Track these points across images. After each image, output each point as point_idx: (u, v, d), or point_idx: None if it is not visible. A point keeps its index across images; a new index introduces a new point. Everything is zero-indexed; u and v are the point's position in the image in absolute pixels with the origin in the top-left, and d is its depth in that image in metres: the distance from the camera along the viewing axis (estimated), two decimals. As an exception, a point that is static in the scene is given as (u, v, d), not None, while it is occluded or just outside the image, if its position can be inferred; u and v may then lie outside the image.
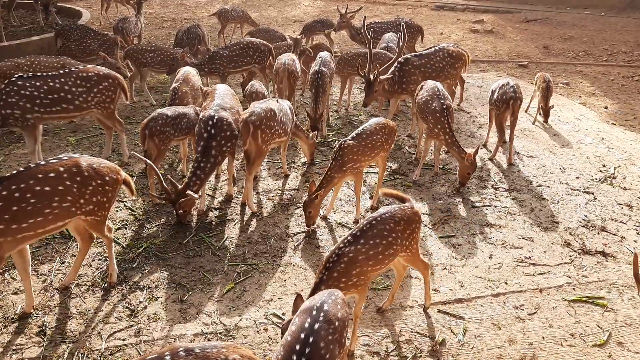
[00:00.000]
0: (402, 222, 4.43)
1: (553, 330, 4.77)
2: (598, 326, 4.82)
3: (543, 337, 4.68)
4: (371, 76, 7.74)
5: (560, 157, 8.02)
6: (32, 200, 4.31)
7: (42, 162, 4.53)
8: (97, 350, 4.39)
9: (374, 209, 6.44)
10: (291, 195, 6.78)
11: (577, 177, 7.42)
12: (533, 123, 9.20)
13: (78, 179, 4.54)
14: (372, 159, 6.14)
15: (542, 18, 17.44)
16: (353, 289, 4.19)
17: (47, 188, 4.39)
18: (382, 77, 7.85)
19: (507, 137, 7.78)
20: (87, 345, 4.43)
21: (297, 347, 3.02)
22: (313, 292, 4.07)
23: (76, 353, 4.34)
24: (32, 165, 4.48)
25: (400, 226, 4.42)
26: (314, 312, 3.23)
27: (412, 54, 8.41)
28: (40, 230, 4.44)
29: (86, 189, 4.58)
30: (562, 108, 9.91)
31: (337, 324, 3.25)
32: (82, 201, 4.57)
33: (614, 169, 7.65)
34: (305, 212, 5.80)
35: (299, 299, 3.91)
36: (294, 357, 2.98)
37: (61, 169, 4.49)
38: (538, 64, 12.99)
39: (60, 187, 4.45)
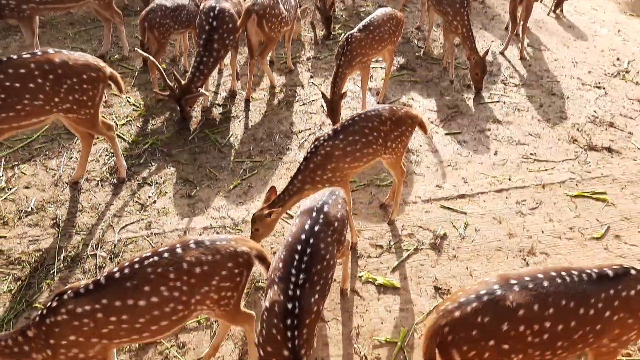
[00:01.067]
0: (388, 122, 4.31)
1: (553, 224, 4.88)
2: (597, 220, 4.92)
3: (542, 231, 4.80)
4: None
5: (573, 50, 7.77)
6: (2, 96, 4.20)
7: (14, 57, 4.32)
8: (110, 242, 4.55)
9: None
10: (296, 91, 6.68)
11: (589, 72, 7.23)
12: (548, 14, 8.82)
13: (50, 76, 4.33)
14: (380, 52, 5.97)
15: None
16: (328, 184, 4.18)
17: (16, 84, 4.23)
18: None
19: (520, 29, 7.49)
20: (101, 237, 4.59)
21: (299, 248, 3.11)
22: (291, 182, 4.17)
23: (90, 244, 4.52)
24: (4, 59, 4.30)
25: (386, 126, 4.30)
26: (314, 214, 3.29)
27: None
28: (15, 124, 4.38)
29: (60, 87, 4.39)
30: (579, -2, 9.45)
31: (336, 224, 3.33)
32: (56, 99, 4.41)
33: (628, 63, 7.44)
34: (329, 114, 5.60)
35: (272, 191, 4.11)
36: (296, 257, 3.08)
37: (32, 65, 4.29)
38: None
39: (31, 85, 4.28)
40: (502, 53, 7.64)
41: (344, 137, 4.19)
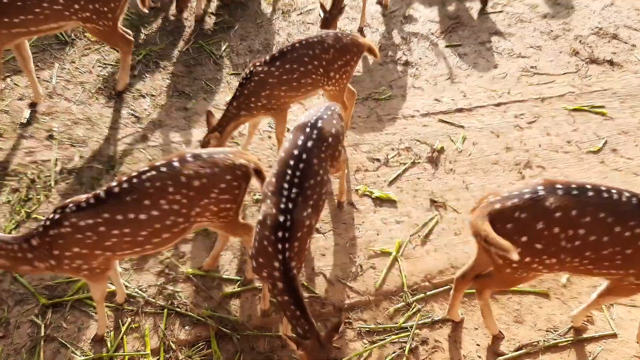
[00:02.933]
0: (331, 49, 4.04)
1: (550, 137, 4.88)
2: (595, 134, 4.93)
3: (539, 145, 4.82)
4: None
5: (582, -42, 7.43)
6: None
7: None
8: (106, 154, 4.55)
9: (384, 15, 6.12)
10: (292, 0, 6.42)
11: (597, -19, 6.96)
12: None
13: None
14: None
15: None
16: (263, 111, 4.07)
17: None
18: None
19: None
20: (97, 149, 4.58)
21: (292, 163, 3.11)
22: (228, 107, 4.03)
23: (86, 156, 4.51)
24: None
25: (329, 54, 4.03)
26: (308, 130, 3.26)
27: None
28: (33, 28, 4.32)
29: None
30: None
31: (330, 140, 3.31)
32: (76, 6, 4.32)
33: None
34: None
35: (210, 115, 4.01)
36: (289, 171, 3.09)
37: None
38: None
39: None
40: None
41: (281, 64, 3.96)
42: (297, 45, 4.03)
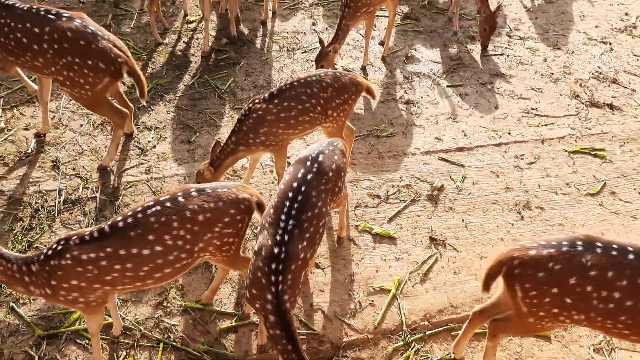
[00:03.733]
0: (330, 88, 4.10)
1: (550, 179, 4.92)
2: (594, 176, 4.96)
3: (539, 185, 4.85)
4: None
5: (581, 3, 7.61)
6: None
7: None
8: (110, 185, 4.59)
9: (383, 58, 6.27)
10: (298, 38, 6.57)
11: (596, 26, 7.11)
12: None
13: (55, 46, 4.23)
14: (384, 1, 5.83)
15: None
16: (262, 147, 4.12)
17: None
18: None
19: None
20: (100, 180, 4.62)
21: (290, 195, 3.14)
22: (226, 142, 4.09)
23: (90, 187, 4.55)
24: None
25: (327, 93, 4.10)
26: (308, 163, 3.30)
27: None
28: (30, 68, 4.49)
29: (60, 59, 4.28)
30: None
31: (330, 174, 3.33)
32: (52, 68, 4.31)
33: (636, 18, 7.30)
34: (317, 67, 5.31)
35: (216, 145, 4.07)
36: (287, 203, 3.10)
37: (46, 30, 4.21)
38: None
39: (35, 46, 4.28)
40: None
41: (279, 101, 4.02)
42: (296, 83, 4.10)
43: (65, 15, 4.26)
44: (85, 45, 4.16)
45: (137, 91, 4.39)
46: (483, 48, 6.47)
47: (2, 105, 5.27)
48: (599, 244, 2.89)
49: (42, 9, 4.27)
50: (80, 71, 4.20)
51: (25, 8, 4.26)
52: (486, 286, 3.12)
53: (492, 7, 6.23)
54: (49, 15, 4.21)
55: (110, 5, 6.73)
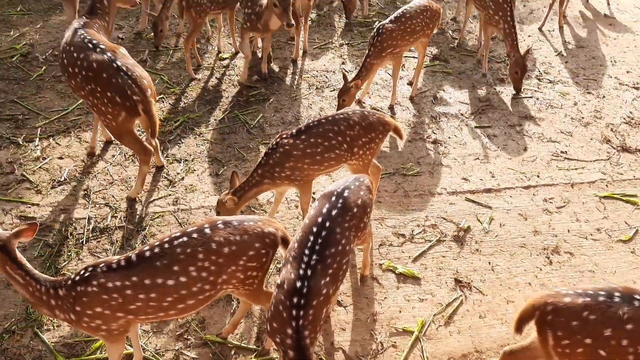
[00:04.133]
0: (357, 126, 4.14)
1: (580, 224, 4.82)
2: (626, 223, 4.85)
3: (568, 230, 4.75)
4: None
5: (612, 48, 7.59)
6: None
7: None
8: (138, 215, 4.66)
9: (411, 98, 6.32)
10: (327, 77, 6.68)
11: (627, 72, 7.07)
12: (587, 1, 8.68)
13: None
14: (412, 44, 5.91)
15: None
16: (287, 182, 4.13)
17: None
18: None
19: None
20: (129, 210, 4.70)
21: (314, 229, 3.14)
22: (252, 174, 4.12)
23: (118, 217, 4.63)
24: None
25: (354, 131, 4.13)
26: (333, 198, 3.31)
27: None
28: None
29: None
30: (622, -5, 9.20)
31: (355, 210, 3.33)
32: (82, 92, 4.66)
33: (669, 65, 7.24)
34: (339, 101, 5.54)
35: (234, 176, 4.11)
36: (311, 238, 3.11)
37: None
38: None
39: None
40: (539, 29, 7.90)
41: (306, 137, 4.07)
42: (324, 120, 4.16)
43: (101, 47, 4.49)
44: (106, 78, 4.37)
45: (149, 131, 4.53)
46: (517, 92, 6.43)
47: (40, 135, 5.45)
48: (638, 297, 2.80)
49: (87, 38, 4.55)
50: (101, 100, 4.43)
51: (79, 36, 4.61)
52: (518, 329, 3.05)
53: (522, 51, 6.24)
54: (89, 44, 4.51)
55: (148, 42, 6.97)
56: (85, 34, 4.62)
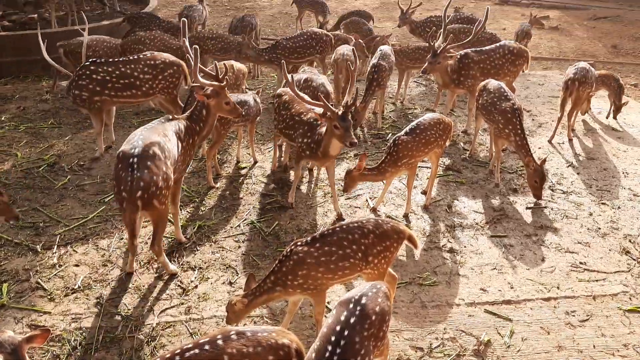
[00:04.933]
0: (371, 235, 4.13)
1: (605, 339, 4.62)
2: (654, 338, 4.64)
3: (594, 346, 4.55)
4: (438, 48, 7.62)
5: (624, 161, 7.71)
6: None
7: None
8: (149, 324, 4.58)
9: (426, 207, 6.38)
10: (342, 185, 6.79)
11: (640, 183, 7.11)
12: (607, 117, 8.90)
13: None
14: (426, 154, 6.08)
15: (612, 16, 16.65)
16: (300, 290, 4.05)
17: None
18: (450, 49, 7.68)
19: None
20: (140, 319, 4.63)
21: (333, 339, 3.06)
22: (265, 280, 4.06)
23: (129, 326, 4.55)
24: None
25: (368, 239, 4.12)
26: (351, 306, 3.25)
27: (472, 49, 8.24)
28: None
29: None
30: (629, 110, 9.47)
31: (373, 318, 3.26)
32: None
33: (682, 177, 7.29)
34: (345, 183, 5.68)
35: (251, 278, 4.05)
36: (329, 348, 3.02)
37: None
38: (605, 64, 12.45)
39: None
40: (549, 142, 8.14)
41: (320, 245, 4.06)
42: (338, 228, 4.17)
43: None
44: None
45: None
46: (537, 199, 6.47)
47: (58, 242, 5.52)
48: None
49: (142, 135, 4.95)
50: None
51: (141, 130, 5.03)
52: None
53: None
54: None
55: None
56: (143, 131, 4.91)
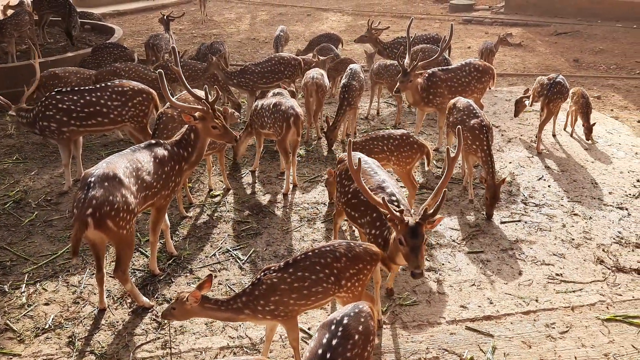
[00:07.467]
0: (343, 258, 4.05)
1: (586, 349, 4.63)
2: (633, 346, 4.67)
3: (575, 357, 4.55)
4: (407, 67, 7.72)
5: (592, 171, 7.85)
6: None
7: None
8: (124, 362, 4.43)
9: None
10: (318, 209, 6.77)
11: (610, 193, 7.24)
12: (587, 139, 8.92)
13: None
14: (399, 173, 6.11)
15: (572, 31, 17.13)
16: (270, 317, 3.96)
17: None
18: (420, 67, 7.78)
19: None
20: (115, 357, 4.47)
21: None
22: (235, 298, 3.94)
23: (104, 364, 4.39)
24: None
25: (341, 263, 4.04)
26: (333, 327, 3.20)
27: (439, 67, 8.37)
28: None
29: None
30: (597, 122, 9.68)
31: (356, 337, 3.19)
32: None
33: (649, 184, 7.45)
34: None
35: (208, 279, 3.84)
36: None
37: None
38: (568, 78, 12.75)
39: None
40: (539, 153, 8.43)
41: (294, 271, 3.98)
42: (310, 253, 4.09)
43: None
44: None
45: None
46: (487, 217, 6.55)
47: (26, 281, 5.34)
48: None
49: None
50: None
51: (127, 151, 5.07)
52: None
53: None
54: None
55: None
56: (114, 157, 4.86)
